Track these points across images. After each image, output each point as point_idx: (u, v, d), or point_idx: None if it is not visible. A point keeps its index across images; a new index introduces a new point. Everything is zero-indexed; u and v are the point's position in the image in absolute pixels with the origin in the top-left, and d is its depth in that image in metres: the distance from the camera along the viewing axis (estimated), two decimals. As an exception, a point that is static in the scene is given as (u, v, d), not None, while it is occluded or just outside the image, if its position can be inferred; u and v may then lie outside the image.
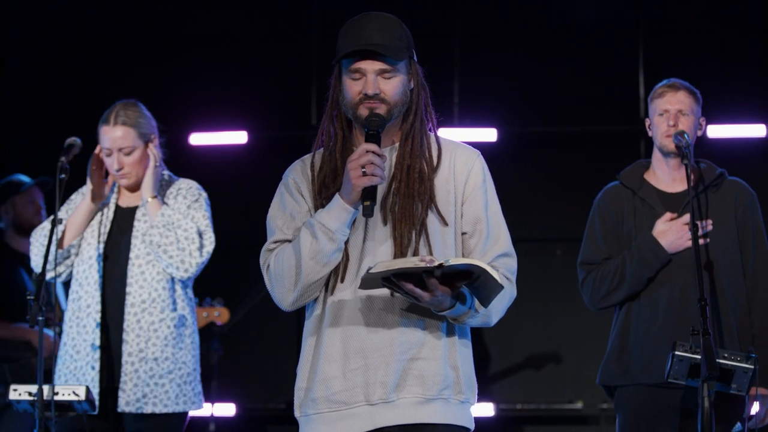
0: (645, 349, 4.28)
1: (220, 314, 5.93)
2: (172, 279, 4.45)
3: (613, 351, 4.38)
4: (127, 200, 4.56)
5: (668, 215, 4.35)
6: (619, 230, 4.42)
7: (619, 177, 4.51)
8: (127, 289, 4.40)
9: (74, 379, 4.38)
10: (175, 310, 4.45)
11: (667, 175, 4.44)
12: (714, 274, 4.31)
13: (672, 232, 4.32)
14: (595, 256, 4.42)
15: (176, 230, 4.41)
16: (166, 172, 4.63)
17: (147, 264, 4.43)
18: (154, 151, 4.51)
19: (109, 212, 4.53)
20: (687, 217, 4.31)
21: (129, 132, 4.48)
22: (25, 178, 5.89)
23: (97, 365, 4.35)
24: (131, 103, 4.56)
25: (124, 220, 4.51)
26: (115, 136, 4.46)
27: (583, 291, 4.45)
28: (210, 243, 4.49)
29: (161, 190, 4.54)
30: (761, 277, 4.35)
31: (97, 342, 4.37)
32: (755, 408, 4.21)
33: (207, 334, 6.22)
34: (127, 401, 4.35)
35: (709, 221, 4.33)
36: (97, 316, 4.38)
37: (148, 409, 4.36)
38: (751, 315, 4.32)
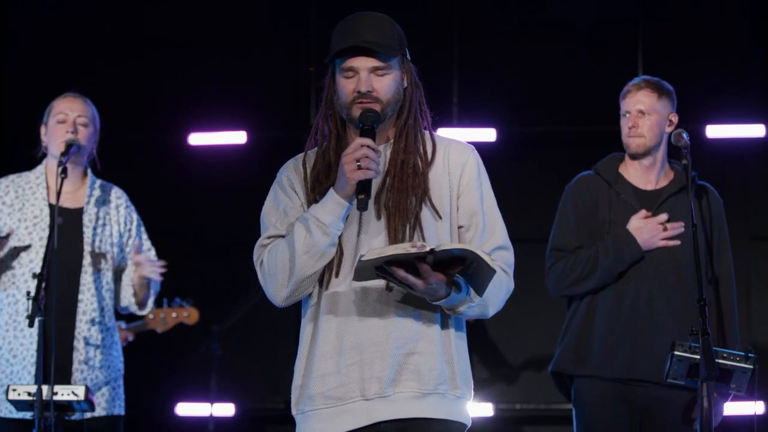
0: (607, 343, 4.31)
1: (189, 315, 5.90)
2: (113, 288, 4.45)
3: (572, 340, 4.40)
4: (56, 197, 4.41)
5: (643, 212, 4.39)
6: (592, 219, 4.45)
7: (595, 168, 4.54)
8: (80, 297, 4.39)
9: (10, 383, 4.28)
10: (112, 319, 4.48)
11: (640, 173, 4.48)
12: (681, 276, 4.34)
13: (647, 230, 4.35)
14: (567, 244, 4.44)
15: (157, 285, 4.58)
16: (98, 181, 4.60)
17: (98, 272, 4.42)
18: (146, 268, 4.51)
19: (41, 213, 4.43)
20: (662, 217, 4.38)
21: (87, 107, 4.51)
22: None
23: (33, 368, 4.30)
24: None
25: (65, 221, 4.42)
26: (74, 105, 4.47)
27: (548, 276, 4.47)
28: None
29: (97, 192, 4.51)
30: (724, 284, 4.41)
31: (33, 346, 4.32)
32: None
33: (206, 334, 6.22)
34: None
35: (681, 223, 4.37)
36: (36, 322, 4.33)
37: (88, 414, 4.34)
38: (717, 322, 4.37)
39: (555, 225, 4.51)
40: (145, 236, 4.63)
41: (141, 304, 4.56)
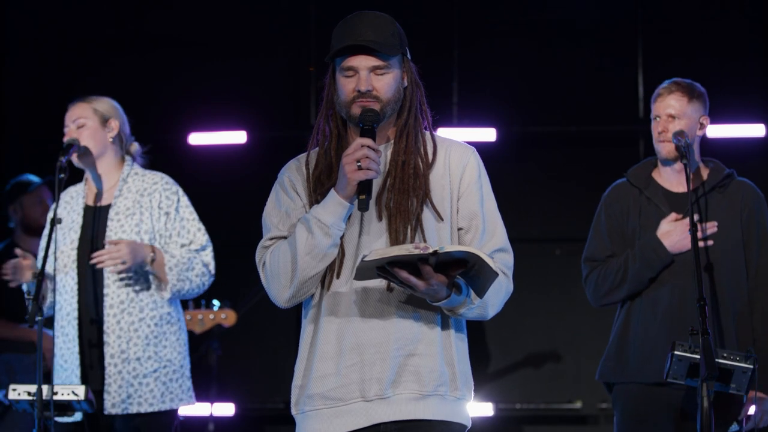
0: (643, 348, 4.28)
1: (226, 316, 5.92)
2: (149, 278, 4.44)
3: (612, 348, 4.38)
4: (95, 198, 4.53)
5: (673, 215, 4.34)
6: (624, 228, 4.41)
7: (626, 174, 4.49)
8: (105, 291, 4.38)
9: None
10: (155, 308, 4.44)
11: (672, 176, 4.42)
12: (715, 276, 4.30)
13: (676, 233, 4.30)
14: (599, 253, 4.42)
15: (187, 273, 4.43)
16: (136, 166, 4.60)
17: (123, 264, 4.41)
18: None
19: (77, 217, 4.49)
20: None
21: (84, 107, 4.54)
22: (33, 178, 5.90)
23: (78, 371, 4.33)
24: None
25: (95, 220, 4.48)
26: (72, 113, 4.53)
27: (586, 287, 4.45)
28: (208, 242, 4.55)
29: (131, 184, 4.52)
30: (763, 281, 4.32)
31: (77, 348, 4.35)
32: (752, 410, 4.21)
33: (206, 334, 6.22)
34: (112, 403, 4.33)
35: (713, 223, 4.31)
36: (75, 323, 4.36)
37: (134, 409, 4.34)
38: (752, 318, 4.31)
39: (589, 236, 4.48)
40: (192, 217, 4.52)
41: (159, 288, 4.47)
